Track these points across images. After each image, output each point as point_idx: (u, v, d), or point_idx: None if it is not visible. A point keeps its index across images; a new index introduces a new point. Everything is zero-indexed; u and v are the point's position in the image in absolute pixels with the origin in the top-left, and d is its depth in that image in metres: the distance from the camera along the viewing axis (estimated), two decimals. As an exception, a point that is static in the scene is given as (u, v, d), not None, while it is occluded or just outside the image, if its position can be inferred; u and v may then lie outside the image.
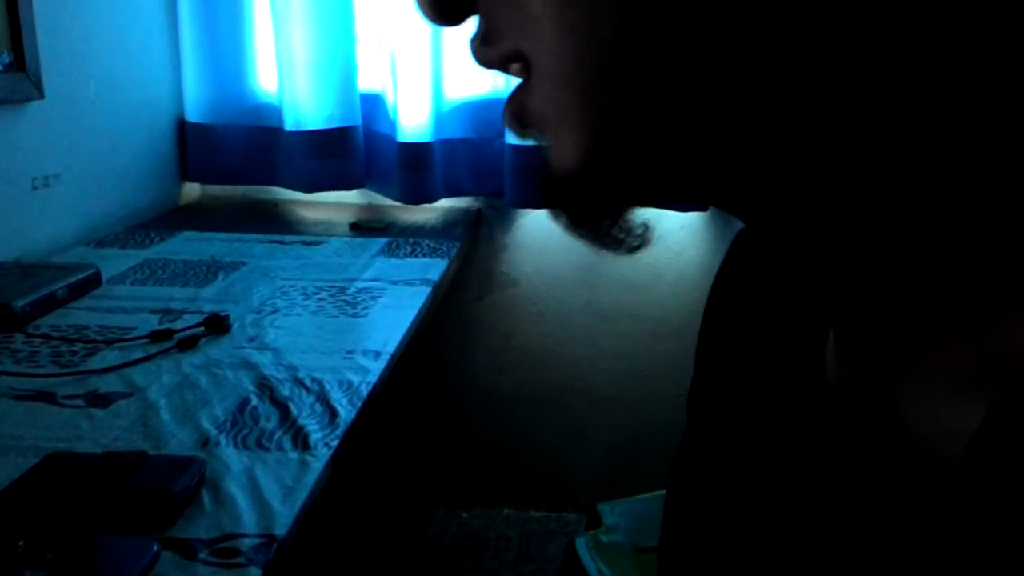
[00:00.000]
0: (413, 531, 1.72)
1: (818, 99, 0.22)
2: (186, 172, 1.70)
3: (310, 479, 0.66)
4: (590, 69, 0.24)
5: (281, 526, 0.59)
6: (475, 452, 1.80)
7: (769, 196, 0.25)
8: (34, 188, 1.28)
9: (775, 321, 0.34)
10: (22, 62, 1.22)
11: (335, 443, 0.72)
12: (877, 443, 0.26)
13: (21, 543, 0.51)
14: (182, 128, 1.67)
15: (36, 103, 1.26)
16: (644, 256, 1.69)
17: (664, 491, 0.41)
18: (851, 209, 0.24)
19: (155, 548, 0.54)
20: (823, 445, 0.28)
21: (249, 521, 0.59)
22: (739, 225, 0.33)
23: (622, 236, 0.29)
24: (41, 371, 0.85)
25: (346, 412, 0.78)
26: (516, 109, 0.27)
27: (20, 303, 0.99)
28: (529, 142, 1.53)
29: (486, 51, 0.28)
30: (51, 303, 1.04)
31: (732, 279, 0.40)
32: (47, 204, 1.31)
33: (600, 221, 0.28)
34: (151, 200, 1.61)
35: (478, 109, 1.61)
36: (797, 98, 0.22)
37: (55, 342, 0.93)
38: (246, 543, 0.57)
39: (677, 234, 1.68)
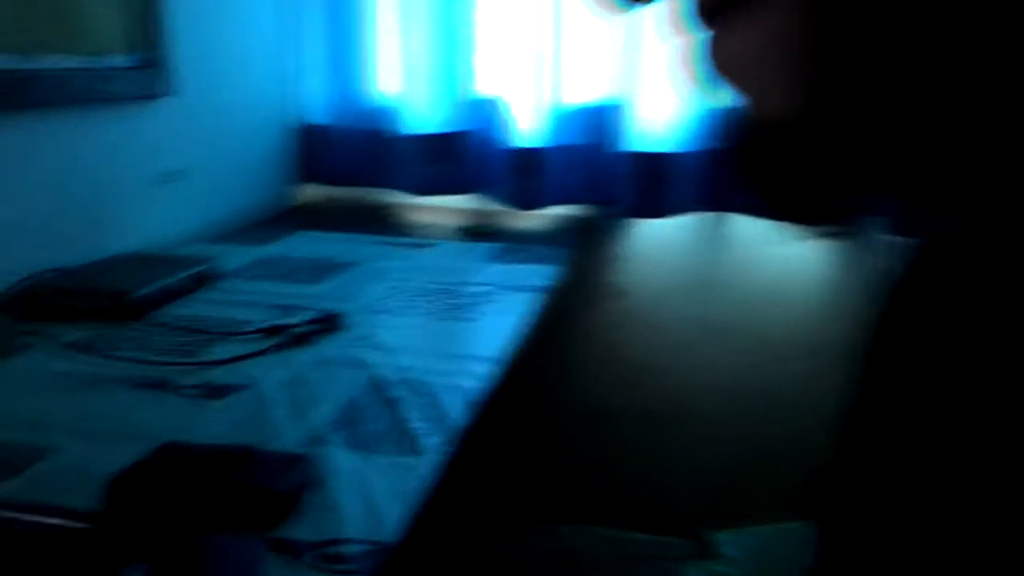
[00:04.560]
0: (509, 543, 1.69)
1: None
2: (304, 173, 1.73)
3: (420, 485, 0.63)
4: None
5: (390, 533, 0.56)
6: (576, 466, 1.75)
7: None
8: (160, 182, 1.32)
9: (996, 339, 0.28)
10: (155, 60, 1.26)
11: (446, 448, 0.69)
12: None
13: (128, 533, 0.50)
14: (301, 130, 1.70)
15: (166, 100, 1.30)
16: (762, 271, 1.61)
17: (786, 525, 0.36)
18: None
19: (262, 550, 0.52)
20: None
21: (356, 525, 0.57)
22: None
23: (823, 210, 0.25)
24: (157, 360, 0.85)
25: (457, 417, 0.75)
26: (722, 57, 0.24)
27: (140, 293, 1.01)
28: (646, 148, 1.48)
29: None
30: (170, 294, 1.06)
31: (927, 291, 0.34)
32: (171, 198, 1.35)
33: (802, 184, 0.25)
34: (270, 199, 1.65)
35: (592, 115, 1.57)
36: None
37: (172, 332, 0.94)
38: (353, 548, 0.54)
39: (798, 249, 1.59)
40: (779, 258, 1.59)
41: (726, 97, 0.24)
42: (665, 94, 1.50)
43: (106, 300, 0.99)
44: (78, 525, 0.51)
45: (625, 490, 1.73)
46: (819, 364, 1.67)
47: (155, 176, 1.31)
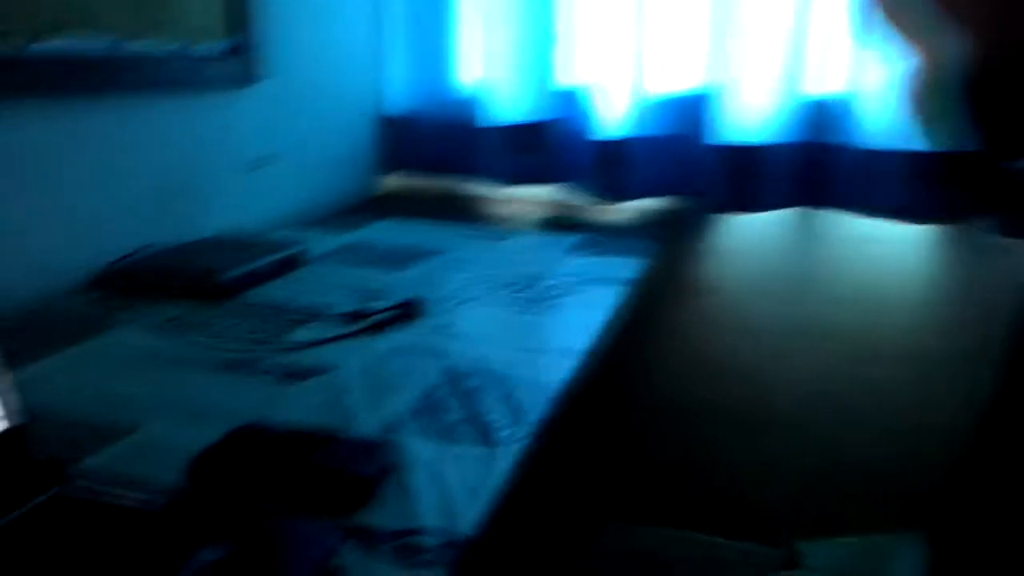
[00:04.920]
0: (584, 541, 1.66)
1: None
2: (388, 162, 1.74)
3: (497, 478, 0.61)
4: None
5: (467, 526, 0.55)
6: (655, 466, 1.71)
7: None
8: (250, 168, 1.34)
9: None
10: (247, 47, 1.28)
11: (523, 442, 0.67)
12: None
13: (206, 513, 0.50)
14: (387, 119, 1.71)
15: (257, 87, 1.31)
16: (858, 270, 1.54)
17: (877, 537, 0.32)
18: None
19: (339, 537, 0.51)
20: None
21: (433, 516, 0.56)
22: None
23: None
24: (242, 341, 0.86)
25: (535, 410, 0.73)
26: None
27: (229, 275, 1.02)
28: (737, 139, 1.43)
29: None
30: (258, 277, 1.07)
31: None
32: (259, 184, 1.37)
33: None
34: (356, 186, 1.66)
35: (681, 105, 1.52)
36: None
37: (258, 314, 0.95)
38: (429, 540, 0.53)
39: (896, 247, 1.52)
40: (876, 256, 1.52)
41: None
42: (759, 82, 1.44)
43: (196, 281, 1.01)
44: (159, 502, 0.51)
45: (706, 492, 1.68)
46: (916, 369, 1.59)
47: (246, 161, 1.33)
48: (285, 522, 0.51)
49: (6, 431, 0.54)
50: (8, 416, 0.54)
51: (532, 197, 1.66)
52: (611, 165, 1.51)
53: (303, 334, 0.89)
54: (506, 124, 1.58)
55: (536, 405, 0.74)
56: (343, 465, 0.58)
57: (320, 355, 0.84)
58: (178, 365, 0.80)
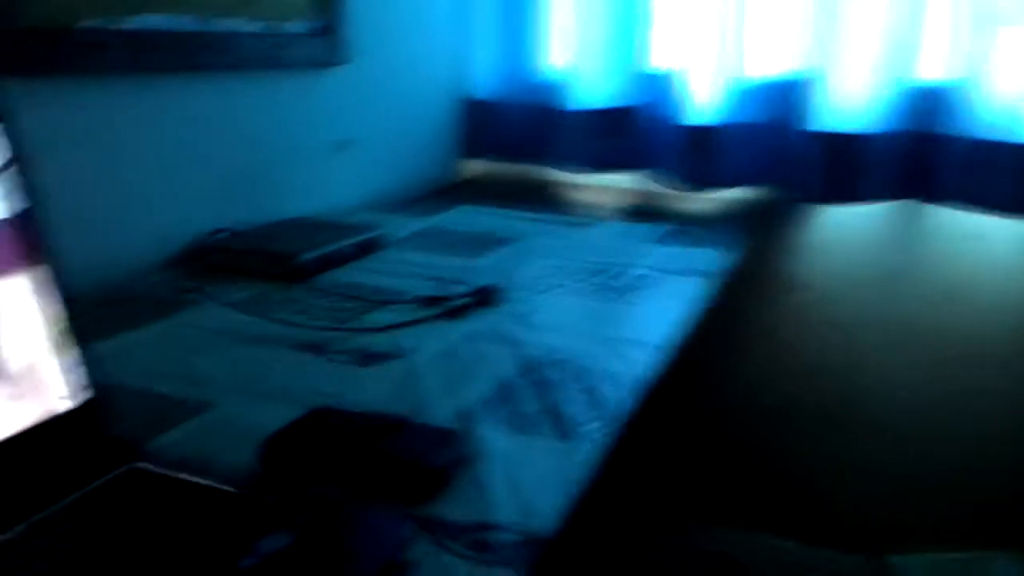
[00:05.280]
0: (661, 542, 1.62)
1: None
2: (469, 147, 1.72)
3: (576, 473, 0.58)
4: None
5: (543, 524, 0.52)
6: (738, 466, 1.65)
7: None
8: (332, 150, 1.34)
9: None
10: (331, 28, 1.27)
11: (604, 437, 0.63)
12: None
13: (273, 498, 0.48)
14: (469, 104, 1.69)
15: (340, 68, 1.31)
16: (960, 267, 1.44)
17: (977, 554, 0.27)
18: None
19: (410, 529, 0.49)
20: None
21: (507, 511, 0.53)
22: None
23: None
24: (316, 324, 0.85)
25: (616, 404, 0.69)
26: None
27: (306, 257, 1.02)
28: (837, 127, 1.36)
29: None
30: (334, 260, 1.07)
31: None
32: (341, 166, 1.36)
33: None
34: (435, 171, 1.65)
35: (777, 90, 1.45)
36: None
37: (333, 297, 0.94)
38: (503, 537, 0.50)
39: (1004, 245, 1.42)
40: (982, 253, 1.42)
41: None
42: (861, 66, 1.36)
43: (273, 262, 1.01)
44: (227, 488, 0.50)
45: (789, 495, 1.62)
46: (1021, 374, 1.49)
47: (327, 143, 1.33)
48: (356, 511, 0.49)
49: (81, 406, 0.53)
50: (84, 391, 0.54)
51: (615, 184, 1.61)
52: (700, 152, 1.45)
53: (379, 318, 0.88)
54: (592, 109, 1.53)
55: (617, 398, 0.70)
56: (414, 454, 0.56)
57: (395, 339, 0.82)
58: (254, 344, 0.80)
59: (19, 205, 0.51)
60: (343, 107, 1.35)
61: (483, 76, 1.66)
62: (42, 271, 0.52)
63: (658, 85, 1.51)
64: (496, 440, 0.62)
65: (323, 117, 1.31)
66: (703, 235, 1.30)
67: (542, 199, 1.58)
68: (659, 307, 0.97)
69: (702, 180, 1.48)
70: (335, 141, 1.34)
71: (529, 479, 0.57)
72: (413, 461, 0.55)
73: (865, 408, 1.55)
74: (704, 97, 1.44)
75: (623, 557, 1.57)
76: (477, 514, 0.52)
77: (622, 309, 0.96)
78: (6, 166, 0.50)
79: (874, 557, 1.10)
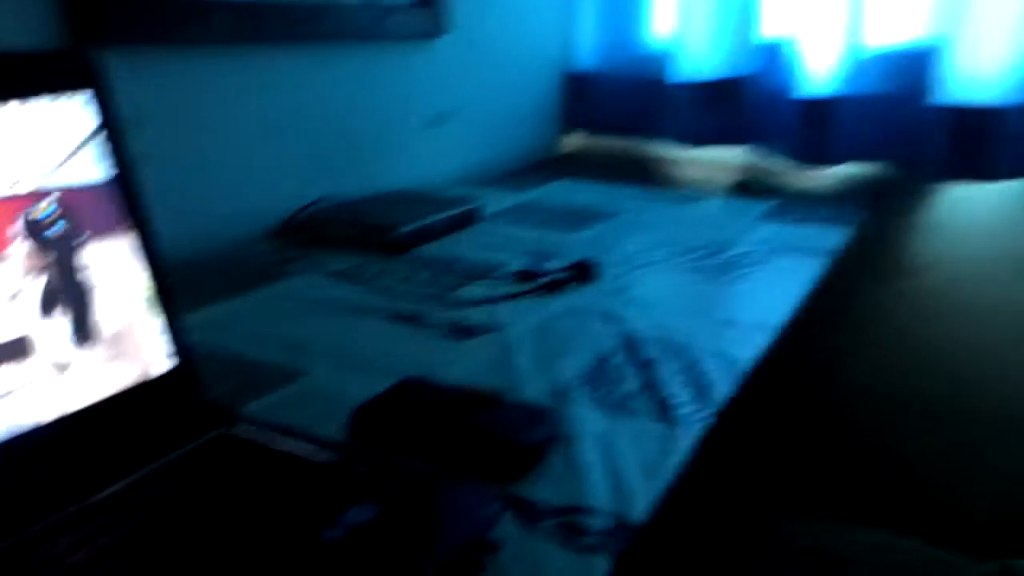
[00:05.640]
0: (762, 535, 1.56)
1: None
2: (571, 120, 1.68)
3: (676, 459, 0.55)
4: None
5: (639, 510, 0.49)
6: (846, 457, 1.57)
7: None
8: (433, 122, 1.33)
9: None
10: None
11: (708, 421, 0.60)
12: None
13: (361, 469, 0.47)
14: (570, 76, 1.65)
15: (441, 40, 1.29)
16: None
17: None
18: None
19: (498, 506, 0.47)
20: None
21: (601, 496, 0.50)
22: None
23: None
24: (412, 295, 0.84)
25: (720, 388, 0.65)
26: None
27: (405, 229, 1.01)
28: (967, 99, 1.26)
29: None
30: (433, 232, 1.06)
31: None
32: (440, 138, 1.35)
33: None
34: (536, 144, 1.62)
35: (900, 60, 1.36)
36: None
37: (430, 269, 0.93)
38: (595, 522, 0.48)
39: None
40: None
41: None
42: (996, 33, 1.25)
43: (373, 233, 1.01)
44: (317, 457, 0.49)
45: (903, 490, 1.53)
46: None
47: (428, 115, 1.32)
48: (444, 486, 0.48)
49: (175, 370, 0.54)
50: (179, 355, 0.54)
51: (720, 160, 1.55)
52: (814, 126, 1.37)
53: (474, 291, 0.86)
54: (697, 80, 1.47)
55: (721, 382, 0.66)
56: (505, 430, 0.54)
57: (490, 313, 0.80)
58: (350, 314, 0.80)
59: (112, 171, 0.51)
60: (443, 79, 1.34)
61: (585, 48, 1.62)
62: (138, 236, 0.52)
63: (771, 55, 1.44)
64: (591, 419, 0.60)
65: (423, 89, 1.31)
66: (816, 213, 1.23)
67: (644, 174, 1.53)
68: (768, 287, 0.92)
69: (815, 155, 1.40)
70: (435, 113, 1.33)
71: (626, 463, 0.54)
72: (505, 437, 0.53)
73: (988, 400, 1.44)
74: (819, 67, 1.36)
75: (718, 550, 1.52)
76: (568, 496, 0.50)
77: (728, 288, 0.91)
78: (98, 132, 0.51)
79: (993, 560, 1.02)
